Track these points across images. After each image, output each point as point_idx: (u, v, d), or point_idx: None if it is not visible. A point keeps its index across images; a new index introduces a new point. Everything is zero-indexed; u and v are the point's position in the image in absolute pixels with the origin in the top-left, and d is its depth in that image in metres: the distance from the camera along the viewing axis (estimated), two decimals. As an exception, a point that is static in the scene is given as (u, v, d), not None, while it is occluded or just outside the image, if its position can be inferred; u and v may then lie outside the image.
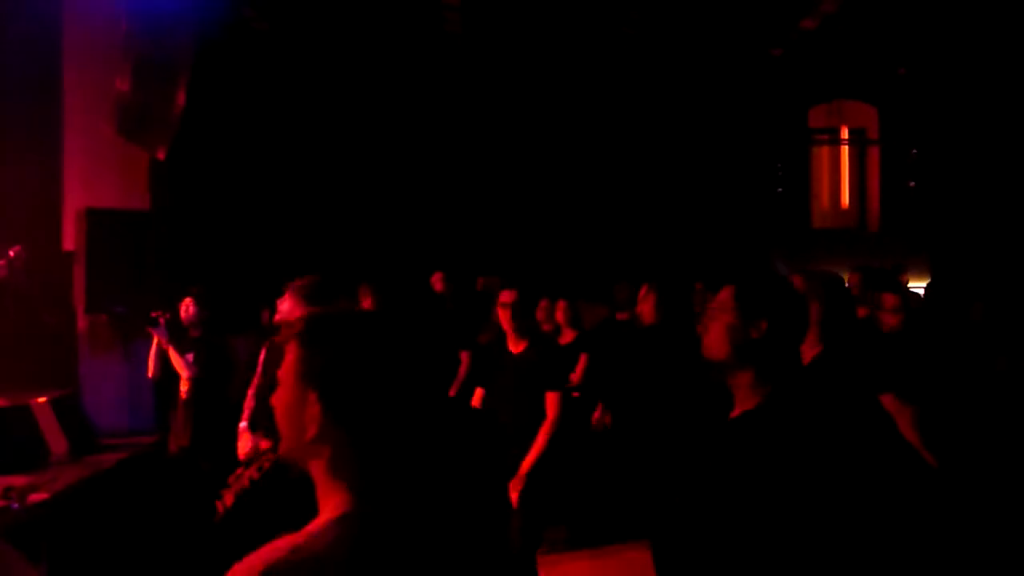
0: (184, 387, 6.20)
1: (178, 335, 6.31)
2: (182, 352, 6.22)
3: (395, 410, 1.61)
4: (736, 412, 2.46)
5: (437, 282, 8.79)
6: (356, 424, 1.58)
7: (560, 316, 7.90)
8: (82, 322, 7.77)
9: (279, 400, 1.63)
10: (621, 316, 8.38)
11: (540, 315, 7.83)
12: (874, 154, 15.62)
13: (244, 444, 5.67)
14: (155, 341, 6.48)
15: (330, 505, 1.57)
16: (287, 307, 3.95)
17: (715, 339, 2.49)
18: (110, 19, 7.58)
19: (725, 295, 2.51)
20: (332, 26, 11.23)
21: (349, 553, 1.49)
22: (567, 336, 7.82)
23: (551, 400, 5.38)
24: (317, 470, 1.59)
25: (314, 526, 1.53)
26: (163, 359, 6.46)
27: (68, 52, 8.02)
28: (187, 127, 7.81)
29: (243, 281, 9.06)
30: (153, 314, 6.32)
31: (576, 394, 7.24)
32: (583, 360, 7.64)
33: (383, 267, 9.99)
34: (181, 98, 7.61)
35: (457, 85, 13.09)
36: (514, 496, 5.03)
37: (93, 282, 7.63)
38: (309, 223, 11.94)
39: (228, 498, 2.61)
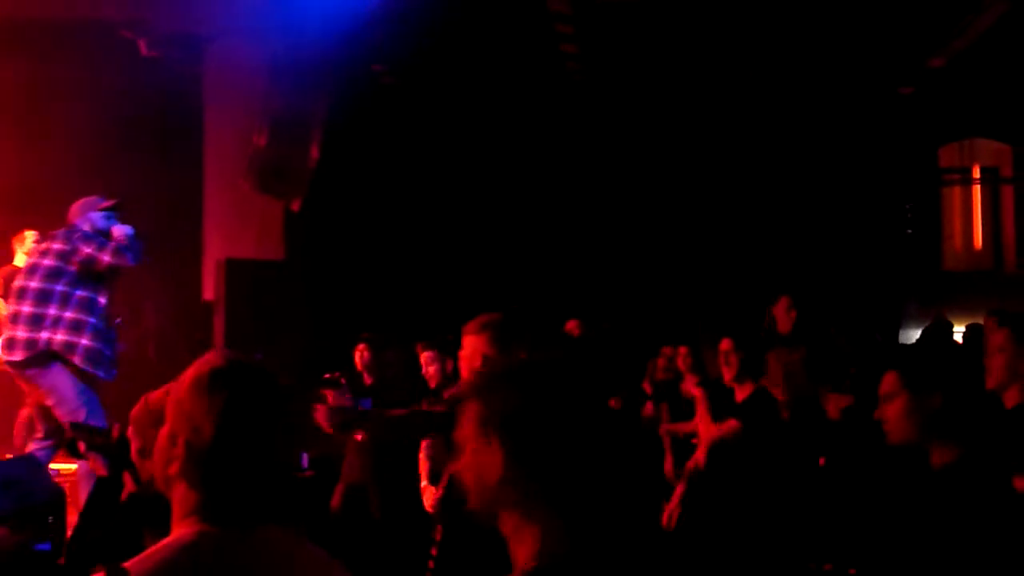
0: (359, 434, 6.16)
1: (353, 384, 6.29)
2: (358, 398, 6.19)
3: (583, 453, 1.58)
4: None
5: (573, 329, 8.83)
6: (547, 471, 1.55)
7: (681, 362, 7.84)
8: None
9: (464, 458, 1.62)
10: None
11: (661, 362, 7.79)
12: (1008, 193, 15.12)
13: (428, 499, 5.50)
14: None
15: (524, 556, 1.55)
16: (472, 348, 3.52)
17: (895, 425, 2.54)
18: (248, 78, 7.94)
19: (890, 379, 2.54)
20: (456, 79, 11.48)
21: None
22: (689, 382, 7.73)
23: None
24: (507, 523, 1.58)
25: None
26: None
27: (208, 109, 8.39)
28: (320, 179, 8.09)
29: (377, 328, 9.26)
30: (328, 376, 6.06)
31: (695, 441, 7.16)
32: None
33: (518, 313, 10.03)
34: (315, 152, 7.91)
35: (581, 133, 13.20)
36: None
37: (232, 330, 7.91)
38: (441, 271, 12.13)
39: None
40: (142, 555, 1.66)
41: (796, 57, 11.45)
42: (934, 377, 2.50)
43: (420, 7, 8.43)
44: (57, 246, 6.18)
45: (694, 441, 7.05)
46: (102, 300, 6.22)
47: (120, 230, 6.29)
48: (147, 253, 6.41)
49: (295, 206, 8.11)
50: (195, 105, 8.58)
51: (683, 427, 7.35)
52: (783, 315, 7.27)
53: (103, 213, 6.35)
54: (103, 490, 3.26)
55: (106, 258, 6.10)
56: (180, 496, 1.74)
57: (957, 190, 15.30)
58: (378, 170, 11.11)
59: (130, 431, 2.92)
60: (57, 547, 4.78)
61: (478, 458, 1.60)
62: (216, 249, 8.23)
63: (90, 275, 6.15)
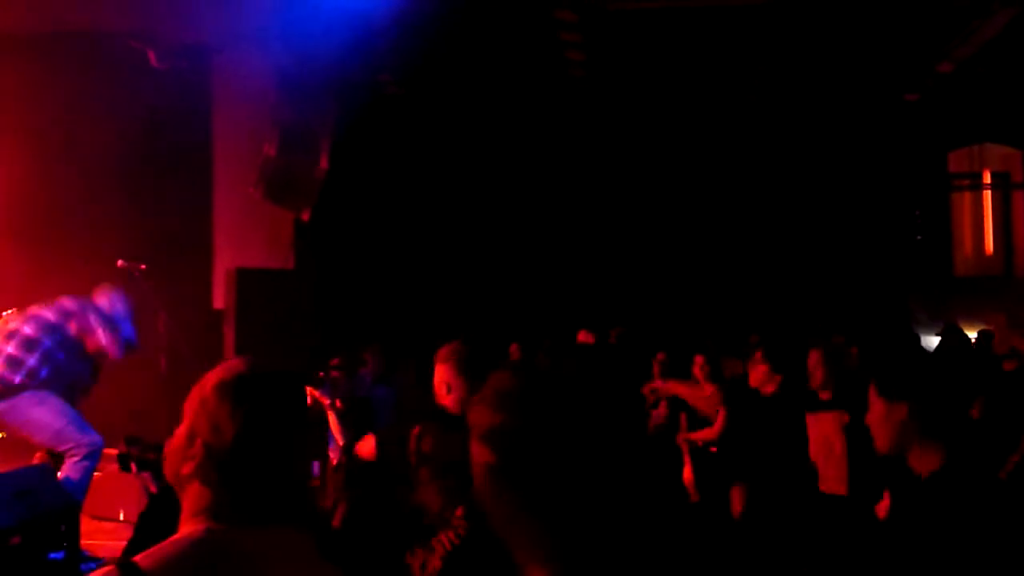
0: (334, 453, 6.17)
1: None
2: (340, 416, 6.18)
3: (576, 476, 1.57)
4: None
5: (585, 338, 8.83)
6: (536, 492, 1.55)
7: (698, 370, 7.80)
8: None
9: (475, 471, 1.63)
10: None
11: (656, 369, 7.80)
12: (1019, 198, 15.08)
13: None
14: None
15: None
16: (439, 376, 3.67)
17: (876, 433, 2.57)
18: (257, 88, 7.97)
19: (872, 387, 2.56)
20: (462, 89, 11.50)
21: None
22: (706, 390, 7.69)
23: None
24: (510, 540, 1.57)
25: None
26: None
27: (218, 120, 8.42)
28: (329, 189, 8.11)
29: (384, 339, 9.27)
30: (320, 374, 6.24)
31: (714, 449, 7.12)
32: (722, 416, 7.50)
33: (522, 322, 10.05)
34: (324, 162, 7.94)
35: (588, 142, 13.22)
36: None
37: (242, 339, 7.92)
38: (448, 280, 12.14)
39: (434, 562, 2.61)
40: (151, 550, 1.68)
41: (806, 65, 11.45)
42: (903, 386, 2.51)
43: (426, 18, 8.46)
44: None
45: (712, 450, 7.03)
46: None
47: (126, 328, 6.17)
48: (158, 263, 6.40)
49: (304, 216, 8.14)
50: (204, 116, 8.61)
51: (701, 435, 7.31)
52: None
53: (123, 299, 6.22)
54: (155, 506, 3.30)
55: (114, 351, 5.99)
56: (192, 495, 1.78)
57: (967, 195, 15.28)
58: (386, 179, 11.13)
59: None
60: (70, 556, 4.80)
61: (475, 469, 1.61)
62: (226, 258, 8.25)
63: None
